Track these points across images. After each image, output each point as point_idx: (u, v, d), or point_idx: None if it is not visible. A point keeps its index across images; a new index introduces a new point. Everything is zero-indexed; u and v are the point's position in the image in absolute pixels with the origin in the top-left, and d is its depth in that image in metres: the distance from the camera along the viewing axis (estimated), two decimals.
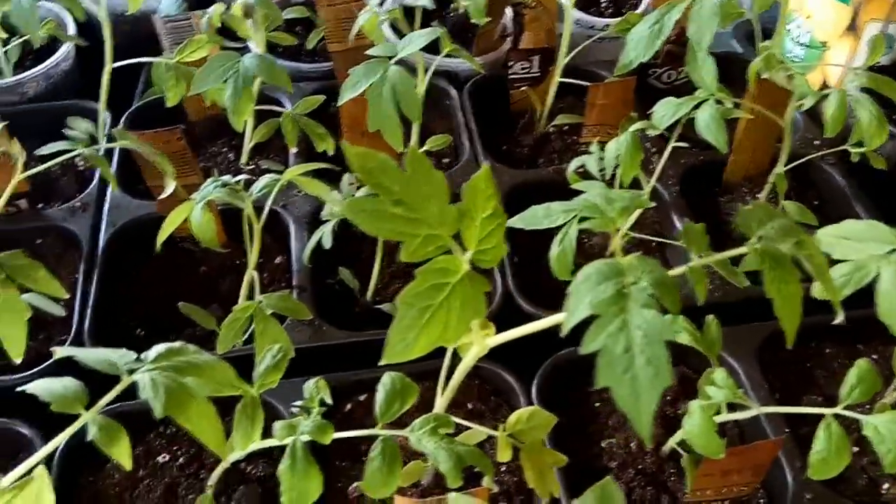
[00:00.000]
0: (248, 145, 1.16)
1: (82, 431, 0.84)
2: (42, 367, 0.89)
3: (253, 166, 1.18)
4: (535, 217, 0.64)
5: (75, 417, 0.84)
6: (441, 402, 0.65)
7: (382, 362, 0.49)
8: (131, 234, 1.06)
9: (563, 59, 1.17)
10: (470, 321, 0.51)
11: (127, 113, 1.22)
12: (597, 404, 0.93)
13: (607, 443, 0.89)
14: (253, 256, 0.84)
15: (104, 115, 1.15)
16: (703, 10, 0.89)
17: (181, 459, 0.87)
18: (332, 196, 0.90)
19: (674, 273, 0.48)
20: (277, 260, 1.09)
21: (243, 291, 0.90)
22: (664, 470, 0.87)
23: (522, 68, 1.27)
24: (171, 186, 0.91)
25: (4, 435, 0.85)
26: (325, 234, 0.90)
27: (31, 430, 0.85)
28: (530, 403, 0.89)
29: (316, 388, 0.60)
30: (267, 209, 0.84)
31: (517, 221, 0.65)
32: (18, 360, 0.75)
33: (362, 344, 0.96)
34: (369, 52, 0.88)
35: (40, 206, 1.11)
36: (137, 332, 1.01)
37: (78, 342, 0.92)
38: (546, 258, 0.77)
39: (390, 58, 0.86)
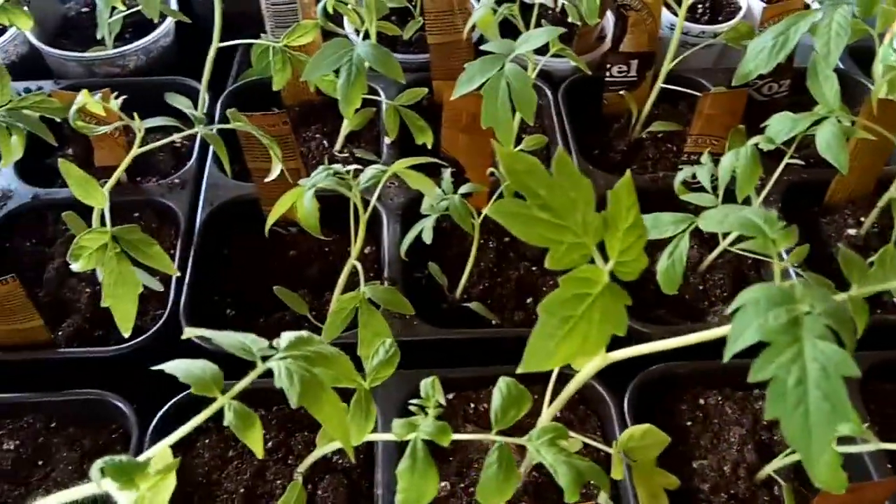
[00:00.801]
0: (343, 133, 1.15)
1: (170, 409, 0.86)
2: (138, 340, 0.90)
3: (346, 154, 1.17)
4: None
5: (167, 394, 0.85)
6: (549, 411, 0.63)
7: (521, 370, 0.48)
8: (227, 214, 1.07)
9: (668, 65, 1.14)
10: (609, 334, 0.50)
11: (225, 93, 1.23)
12: (688, 423, 0.91)
13: (699, 464, 0.87)
14: (357, 246, 0.84)
15: (205, 94, 1.16)
16: (832, 26, 0.86)
17: (269, 444, 0.87)
18: (436, 191, 0.89)
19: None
20: (367, 250, 1.09)
21: (342, 280, 0.90)
22: (757, 497, 0.84)
23: (619, 71, 1.25)
24: (277, 170, 0.91)
25: (99, 405, 0.86)
26: (425, 229, 0.89)
27: (124, 403, 0.86)
28: (620, 416, 0.87)
29: (432, 388, 0.59)
30: (374, 201, 0.84)
31: None
32: (127, 335, 0.76)
33: (450, 342, 0.95)
34: (485, 47, 0.87)
35: (137, 179, 1.12)
36: (228, 312, 1.02)
37: (174, 318, 0.93)
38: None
39: (505, 55, 0.85)
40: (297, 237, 1.10)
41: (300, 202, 0.84)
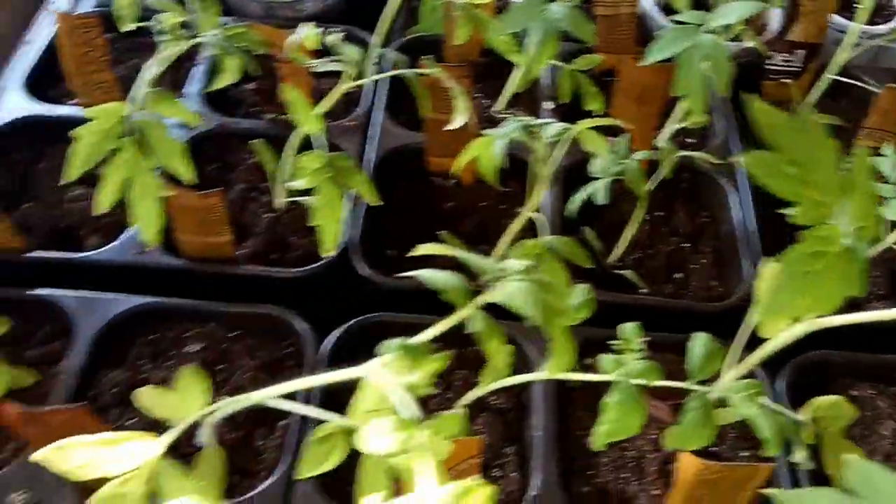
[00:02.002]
0: (506, 94, 1.18)
1: (351, 331, 0.91)
2: (314, 266, 0.96)
3: (508, 114, 1.20)
4: None
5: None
6: (739, 368, 0.66)
7: (757, 319, 0.51)
8: (394, 161, 1.12)
9: (843, 57, 1.13)
10: (844, 295, 0.52)
11: (392, 44, 1.27)
12: None
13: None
14: (534, 200, 0.87)
15: (378, 44, 1.20)
16: None
17: None
18: (610, 155, 0.92)
19: None
20: (517, 209, 1.12)
21: (515, 227, 0.93)
22: None
23: (784, 60, 1.24)
24: (462, 120, 0.94)
25: (278, 321, 0.93)
26: (598, 190, 0.91)
27: (302, 322, 0.92)
28: (775, 396, 0.88)
29: (633, 332, 0.62)
30: (561, 157, 0.86)
31: None
32: (331, 252, 0.81)
33: (603, 304, 0.98)
34: (676, 17, 0.89)
35: None
36: (388, 252, 1.07)
37: (345, 251, 0.98)
38: None
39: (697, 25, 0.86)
40: (456, 189, 1.14)
41: (486, 152, 0.88)
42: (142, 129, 0.76)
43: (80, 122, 1.12)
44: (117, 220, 1.03)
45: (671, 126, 1.09)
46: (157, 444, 0.52)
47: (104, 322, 0.89)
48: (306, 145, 0.96)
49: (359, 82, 0.94)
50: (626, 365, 0.59)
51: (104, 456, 0.50)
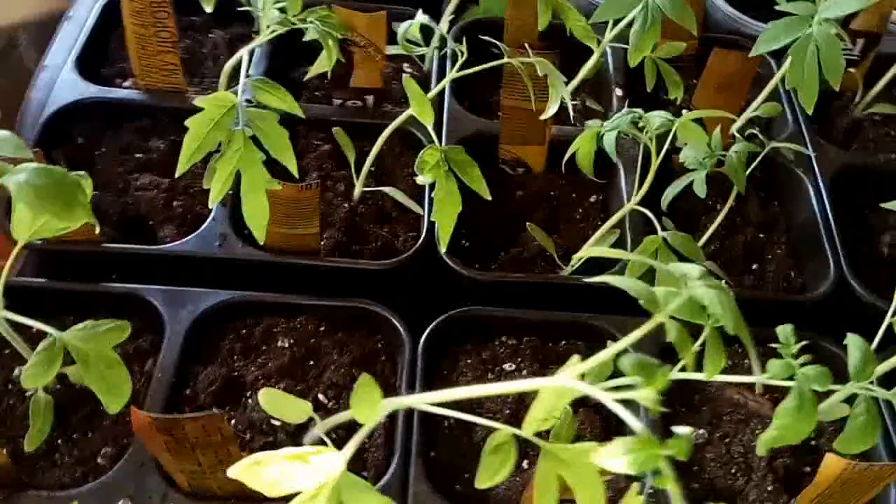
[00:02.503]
0: (577, 81, 1.16)
1: (445, 325, 0.89)
2: (400, 258, 0.94)
3: (576, 102, 1.19)
4: None
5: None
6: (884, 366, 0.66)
7: None
8: (469, 147, 1.09)
9: None
10: None
11: (454, 27, 1.24)
12: None
13: None
14: (641, 192, 0.86)
15: (444, 27, 1.17)
16: None
17: (524, 371, 0.90)
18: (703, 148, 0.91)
19: None
20: (592, 199, 1.11)
21: (614, 221, 0.92)
22: None
23: (843, 49, 1.23)
24: (553, 108, 0.92)
25: (369, 314, 0.90)
26: (697, 181, 0.90)
27: (394, 316, 0.90)
28: None
29: (791, 334, 0.62)
30: (665, 149, 0.85)
31: None
32: (444, 250, 0.79)
33: None
34: (786, 7, 0.87)
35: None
36: (463, 244, 1.05)
37: (428, 241, 0.96)
38: None
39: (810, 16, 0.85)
40: (525, 178, 1.12)
41: (589, 144, 0.87)
42: (253, 120, 0.73)
43: (139, 105, 1.09)
44: (188, 209, 1.00)
45: (746, 116, 1.08)
46: (340, 458, 0.50)
47: (195, 316, 0.86)
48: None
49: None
50: (798, 370, 0.58)
51: (294, 471, 0.48)
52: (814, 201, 1.06)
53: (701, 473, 0.84)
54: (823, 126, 1.23)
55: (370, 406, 0.51)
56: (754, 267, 1.06)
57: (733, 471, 0.83)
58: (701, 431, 0.85)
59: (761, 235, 1.08)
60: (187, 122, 0.71)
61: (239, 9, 1.01)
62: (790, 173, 1.10)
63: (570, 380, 0.49)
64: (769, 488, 0.81)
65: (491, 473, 0.54)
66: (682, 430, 0.42)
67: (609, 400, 0.46)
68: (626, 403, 0.46)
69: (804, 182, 1.08)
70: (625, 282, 0.51)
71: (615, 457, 0.42)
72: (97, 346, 0.70)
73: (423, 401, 0.56)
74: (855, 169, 1.10)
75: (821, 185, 1.07)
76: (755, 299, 0.98)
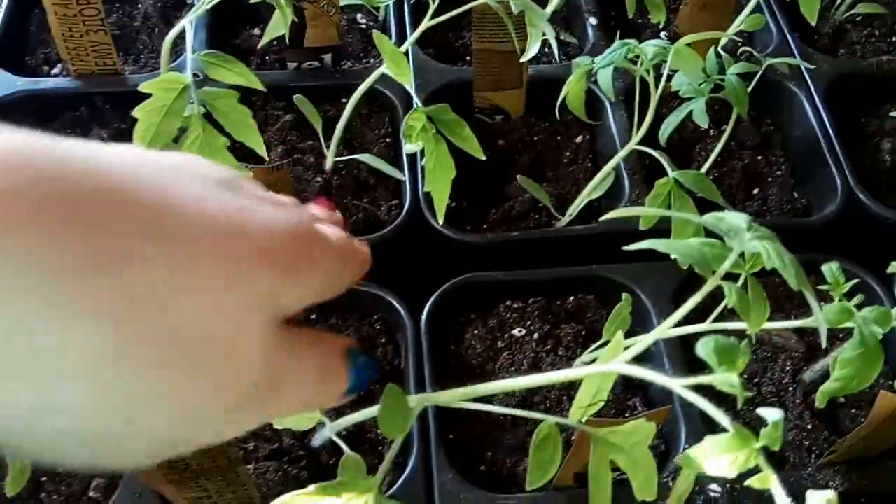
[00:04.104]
0: (548, 12, 1.08)
1: (446, 296, 0.83)
2: (387, 231, 0.87)
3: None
4: None
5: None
6: None
7: None
8: (440, 100, 1.01)
9: None
10: None
11: None
12: None
13: None
14: (642, 130, 0.79)
15: None
16: None
17: (535, 335, 0.85)
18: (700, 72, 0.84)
19: None
20: (578, 139, 1.04)
21: (610, 165, 0.85)
22: None
23: None
24: (536, 46, 0.84)
25: (363, 295, 0.83)
26: (697, 110, 0.83)
27: (392, 296, 0.83)
28: None
29: (839, 272, 0.56)
30: (664, 79, 0.78)
31: None
32: (441, 221, 0.72)
33: None
34: None
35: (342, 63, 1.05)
36: (450, 204, 0.97)
37: (414, 208, 0.89)
38: None
39: None
40: (504, 126, 1.05)
41: (579, 84, 0.79)
42: (210, 101, 0.64)
43: (74, 93, 0.98)
44: None
45: (731, 32, 1.02)
46: (373, 483, 0.44)
47: None
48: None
49: None
50: (857, 313, 0.52)
51: None
52: (811, 115, 1.00)
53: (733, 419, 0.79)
54: (806, 34, 1.16)
55: (401, 420, 0.45)
56: (755, 192, 1.00)
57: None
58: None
59: (759, 158, 1.03)
60: (135, 113, 0.62)
61: None
62: (781, 87, 1.04)
63: (625, 366, 0.43)
64: (808, 427, 0.77)
65: (541, 473, 0.49)
66: (770, 414, 0.37)
67: (678, 387, 0.40)
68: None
69: (798, 95, 1.02)
70: (671, 245, 0.44)
71: (714, 458, 0.36)
72: None
73: (454, 397, 0.50)
74: (848, 76, 1.05)
75: (815, 96, 1.02)
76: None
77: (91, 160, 0.28)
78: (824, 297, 0.59)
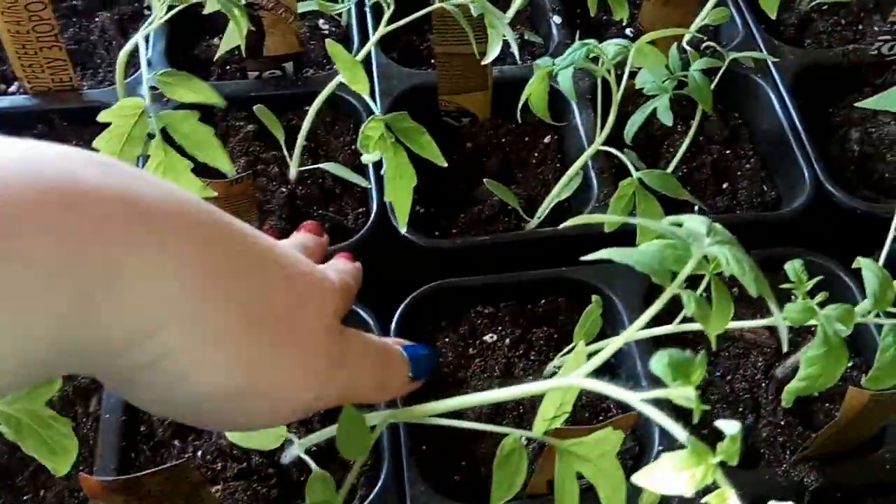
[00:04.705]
0: (512, 12, 1.07)
1: (416, 304, 0.82)
2: (353, 240, 0.86)
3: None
4: None
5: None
6: None
7: None
8: (404, 106, 1.00)
9: None
10: None
11: None
12: None
13: None
14: (605, 131, 0.78)
15: None
16: None
17: (507, 340, 0.84)
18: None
19: None
20: (546, 139, 1.03)
21: (578, 164, 0.84)
22: None
23: None
24: (497, 47, 0.83)
25: None
26: (661, 107, 0.83)
27: (367, 311, 0.82)
28: None
29: (801, 270, 0.56)
30: (625, 79, 0.77)
31: None
32: (404, 229, 0.71)
33: None
34: None
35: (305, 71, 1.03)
36: (417, 210, 0.96)
37: (381, 216, 0.88)
38: None
39: None
40: (471, 129, 1.04)
41: (542, 85, 0.78)
42: (171, 124, 0.62)
43: (31, 112, 0.96)
44: None
45: (695, 27, 1.01)
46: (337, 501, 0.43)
47: None
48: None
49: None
50: (819, 311, 0.52)
51: None
52: (777, 107, 1.00)
53: (707, 418, 0.79)
54: (772, 25, 1.16)
55: (360, 442, 0.44)
56: (725, 186, 1.00)
57: (741, 409, 0.79)
58: None
59: (728, 152, 1.03)
60: (96, 143, 0.60)
61: None
62: (747, 81, 1.04)
63: (584, 380, 0.42)
64: (781, 423, 0.77)
65: (506, 488, 0.48)
66: (728, 427, 0.36)
67: (637, 401, 0.39)
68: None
69: (763, 88, 1.02)
70: (626, 254, 0.43)
71: (672, 477, 0.36)
72: (28, 406, 0.60)
73: (423, 413, 0.49)
74: (813, 67, 1.05)
75: (781, 89, 1.01)
76: (733, 222, 0.92)
77: None
78: (790, 294, 0.59)
